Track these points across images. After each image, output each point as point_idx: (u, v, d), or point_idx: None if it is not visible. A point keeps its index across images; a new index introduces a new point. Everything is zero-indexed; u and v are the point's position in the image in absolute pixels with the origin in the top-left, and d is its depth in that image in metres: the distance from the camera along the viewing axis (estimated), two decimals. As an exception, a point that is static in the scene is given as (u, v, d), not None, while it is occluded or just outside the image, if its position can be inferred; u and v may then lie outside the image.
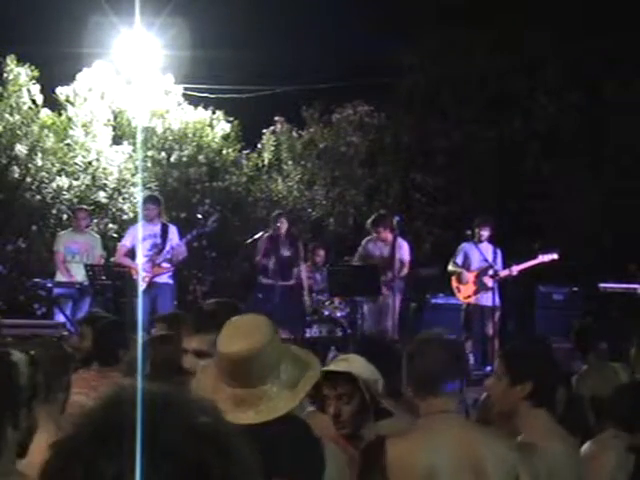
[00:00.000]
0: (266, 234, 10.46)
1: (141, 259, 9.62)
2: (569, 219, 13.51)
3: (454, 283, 10.32)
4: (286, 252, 10.36)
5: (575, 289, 11.41)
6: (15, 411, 2.21)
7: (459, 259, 10.27)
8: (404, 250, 10.06)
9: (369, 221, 10.30)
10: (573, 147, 13.78)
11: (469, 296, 10.20)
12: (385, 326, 9.72)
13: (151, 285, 9.60)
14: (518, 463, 2.93)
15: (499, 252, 10.21)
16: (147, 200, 10.25)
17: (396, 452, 2.90)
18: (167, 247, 9.74)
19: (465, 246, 10.29)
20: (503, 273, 10.00)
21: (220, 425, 1.11)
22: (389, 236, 9.93)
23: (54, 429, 2.87)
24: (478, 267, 10.10)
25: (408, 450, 2.90)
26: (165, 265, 9.76)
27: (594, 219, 13.44)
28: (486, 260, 9.96)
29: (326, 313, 10.19)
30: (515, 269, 9.92)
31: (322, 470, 2.65)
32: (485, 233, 10.09)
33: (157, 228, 9.85)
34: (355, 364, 3.32)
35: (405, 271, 9.94)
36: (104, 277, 9.52)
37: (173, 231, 9.93)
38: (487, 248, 10.12)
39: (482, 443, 2.91)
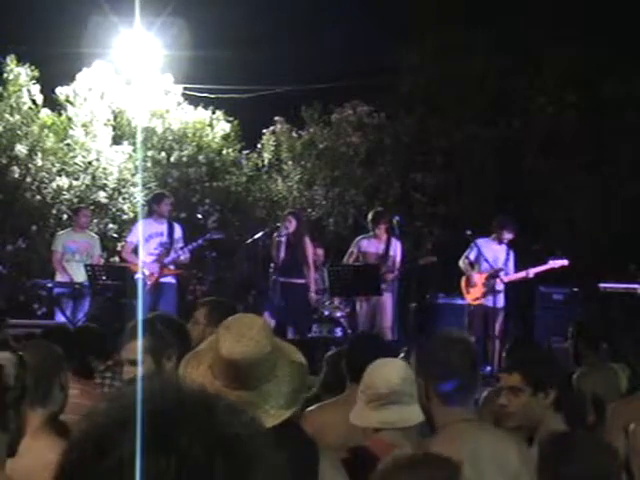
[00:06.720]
0: (275, 233, 10.32)
1: (142, 257, 9.58)
2: (569, 219, 13.50)
3: (463, 285, 10.24)
4: (293, 251, 10.28)
5: (575, 289, 11.37)
6: (2, 412, 2.21)
7: (472, 254, 10.10)
8: (398, 249, 10.12)
9: (370, 217, 10.28)
10: (572, 147, 13.77)
11: (477, 298, 10.13)
12: (381, 327, 9.73)
13: (156, 285, 9.56)
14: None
15: (512, 254, 10.15)
16: (162, 196, 10.09)
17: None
18: (175, 247, 9.68)
19: (480, 241, 10.03)
20: (517, 276, 9.98)
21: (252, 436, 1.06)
22: (384, 234, 10.01)
23: (52, 431, 2.88)
24: (489, 268, 9.96)
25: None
26: (172, 267, 9.73)
27: (594, 219, 13.43)
28: (497, 260, 9.93)
29: (326, 313, 10.19)
30: (532, 272, 9.93)
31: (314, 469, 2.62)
32: (509, 236, 9.99)
33: (164, 226, 9.78)
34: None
35: (396, 271, 9.98)
36: (104, 277, 9.51)
37: (179, 231, 9.87)
38: (502, 248, 10.07)
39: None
